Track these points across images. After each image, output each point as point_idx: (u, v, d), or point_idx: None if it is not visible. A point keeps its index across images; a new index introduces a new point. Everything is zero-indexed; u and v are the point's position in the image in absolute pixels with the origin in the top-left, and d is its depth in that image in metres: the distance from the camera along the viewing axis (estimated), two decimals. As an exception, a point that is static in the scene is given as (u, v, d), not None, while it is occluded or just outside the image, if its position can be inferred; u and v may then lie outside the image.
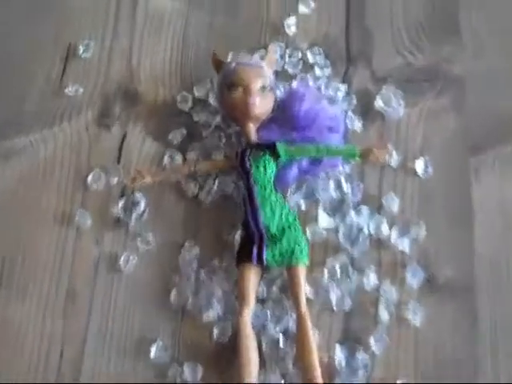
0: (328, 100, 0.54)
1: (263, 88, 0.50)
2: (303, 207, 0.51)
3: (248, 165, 0.49)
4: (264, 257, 0.47)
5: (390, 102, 0.54)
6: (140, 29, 0.60)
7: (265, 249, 0.47)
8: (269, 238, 0.47)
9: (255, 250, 0.47)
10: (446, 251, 0.49)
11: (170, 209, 0.52)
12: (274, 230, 0.47)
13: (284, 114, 0.51)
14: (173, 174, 0.52)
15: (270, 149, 0.49)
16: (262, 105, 0.50)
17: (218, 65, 0.53)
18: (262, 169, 0.49)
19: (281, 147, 0.49)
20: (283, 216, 0.48)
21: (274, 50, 0.56)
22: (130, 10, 0.61)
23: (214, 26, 0.60)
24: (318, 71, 0.56)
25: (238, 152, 0.50)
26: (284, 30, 0.58)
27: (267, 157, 0.49)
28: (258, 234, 0.47)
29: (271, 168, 0.49)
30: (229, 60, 0.54)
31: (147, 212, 0.52)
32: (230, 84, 0.50)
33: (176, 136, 0.55)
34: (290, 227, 0.48)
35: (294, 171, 0.50)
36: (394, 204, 0.51)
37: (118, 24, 0.60)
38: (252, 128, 0.50)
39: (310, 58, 0.57)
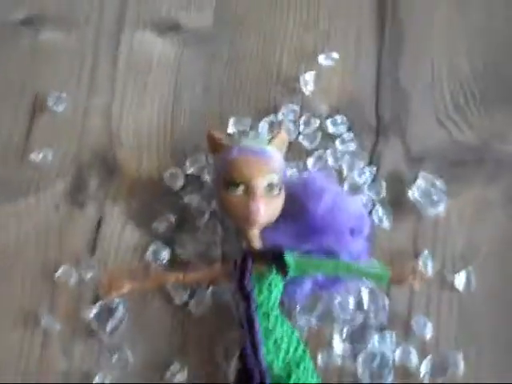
0: (351, 187, 0.44)
1: (271, 186, 0.40)
2: (315, 328, 0.42)
3: (248, 287, 0.39)
4: (265, 403, 0.38)
5: (428, 193, 0.43)
6: (122, 78, 0.49)
7: (267, 393, 0.38)
8: (272, 380, 0.38)
9: (254, 393, 0.38)
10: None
11: (153, 319, 0.43)
12: (278, 368, 0.38)
13: (296, 212, 0.41)
14: (156, 283, 0.42)
15: (277, 262, 0.39)
16: (268, 211, 0.40)
17: (215, 146, 0.42)
18: (265, 292, 0.39)
19: (290, 261, 0.39)
20: (290, 351, 0.39)
21: (287, 115, 0.45)
22: (110, 57, 0.50)
23: (212, 82, 0.49)
24: (339, 146, 0.45)
25: (236, 262, 0.40)
26: (299, 87, 0.47)
27: (273, 275, 0.39)
28: (258, 374, 0.38)
29: (278, 289, 0.39)
30: (229, 129, 0.44)
31: (125, 322, 0.43)
32: (229, 181, 0.40)
33: (162, 223, 0.45)
34: (298, 365, 0.38)
35: (305, 287, 0.41)
36: (425, 329, 0.41)
37: (96, 75, 0.49)
38: (255, 233, 0.40)
39: (331, 128, 0.46)
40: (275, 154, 0.41)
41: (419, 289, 0.39)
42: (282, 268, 0.39)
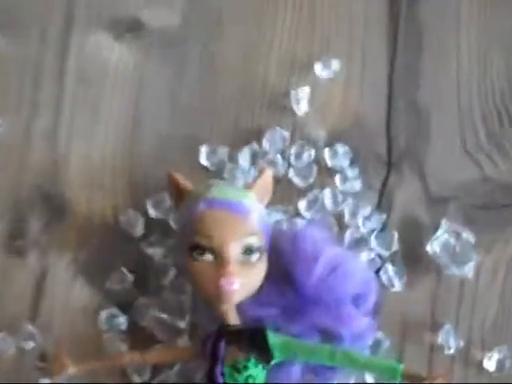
0: (354, 240, 0.35)
1: (249, 252, 0.31)
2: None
3: (220, 381, 0.30)
4: None
5: (452, 246, 0.34)
6: (70, 100, 0.40)
7: None
8: None
9: None
10: None
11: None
12: None
13: (282, 275, 0.33)
14: (107, 362, 0.34)
15: (258, 344, 0.31)
16: (245, 285, 0.31)
17: (178, 193, 0.33)
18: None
19: (276, 344, 0.31)
20: None
21: (274, 143, 0.36)
22: (55, 69, 0.40)
23: (182, 99, 0.39)
24: (339, 184, 0.36)
25: (206, 342, 0.32)
26: (290, 106, 0.38)
27: (251, 366, 0.31)
28: None
29: (259, 381, 0.31)
30: (201, 162, 0.35)
31: (73, 407, 0.35)
32: (194, 244, 0.31)
33: (118, 282, 0.37)
34: None
35: (294, 372, 0.33)
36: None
37: (39, 92, 0.40)
38: (228, 309, 0.32)
39: (329, 160, 0.37)
40: (255, 206, 0.32)
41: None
42: (264, 352, 0.31)
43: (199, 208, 0.31)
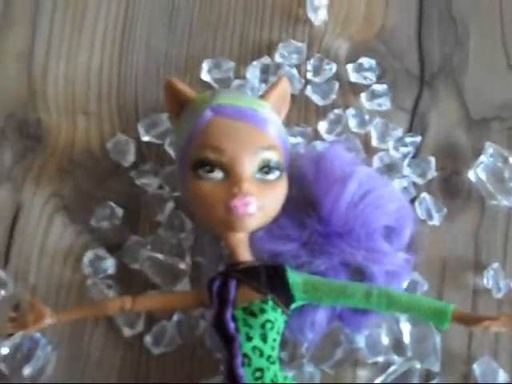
0: (384, 165, 0.30)
1: (267, 169, 0.27)
2: (332, 373, 0.30)
3: (232, 328, 0.25)
4: None
5: (498, 172, 0.30)
6: (47, 12, 0.36)
7: None
8: None
9: None
10: None
11: (93, 360, 0.31)
12: None
13: (304, 201, 0.29)
14: (92, 310, 0.29)
15: (276, 284, 0.27)
16: (262, 209, 0.27)
17: (177, 102, 0.29)
18: (257, 338, 0.27)
19: (296, 284, 0.27)
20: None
21: (289, 58, 0.31)
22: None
23: (178, 9, 0.35)
24: (365, 103, 0.31)
25: (212, 286, 0.27)
26: (306, 15, 0.33)
27: (269, 309, 0.26)
28: None
29: (276, 331, 0.27)
30: (202, 77, 0.32)
31: (52, 364, 0.31)
32: (198, 160, 0.26)
33: (105, 218, 0.33)
34: None
35: (319, 318, 0.28)
36: (495, 376, 0.30)
37: (12, 2, 0.35)
38: (240, 240, 0.27)
39: (353, 75, 0.33)
40: (272, 116, 0.28)
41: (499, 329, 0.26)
42: (283, 293, 0.27)
43: (205, 117, 0.27)
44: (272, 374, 0.27)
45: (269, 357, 0.27)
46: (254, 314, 0.27)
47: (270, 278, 0.27)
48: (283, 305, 0.27)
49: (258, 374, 0.26)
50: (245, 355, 0.27)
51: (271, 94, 0.29)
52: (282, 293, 0.27)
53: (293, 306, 0.27)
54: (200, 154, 0.26)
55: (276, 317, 0.27)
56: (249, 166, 0.26)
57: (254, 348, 0.26)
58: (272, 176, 0.27)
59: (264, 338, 0.27)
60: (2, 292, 0.33)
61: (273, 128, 0.27)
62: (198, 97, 0.28)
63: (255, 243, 0.28)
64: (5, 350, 0.31)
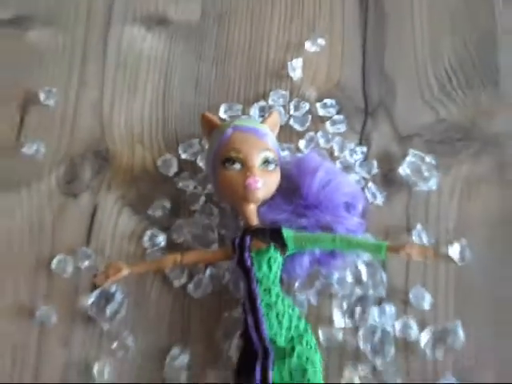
0: (343, 166, 0.44)
1: (267, 163, 0.40)
2: (315, 303, 0.42)
3: (248, 263, 0.39)
4: (270, 378, 0.37)
5: (418, 169, 0.44)
6: (112, 73, 0.50)
7: (271, 367, 0.37)
8: (275, 354, 0.38)
9: (259, 369, 0.37)
10: (489, 358, 0.41)
11: (152, 304, 0.43)
12: (281, 344, 0.38)
13: (291, 189, 0.42)
14: (154, 267, 0.42)
15: (275, 238, 0.40)
16: (265, 186, 0.40)
17: (209, 127, 0.43)
18: (265, 267, 0.39)
19: (289, 237, 0.40)
20: (292, 326, 0.39)
21: (277, 103, 0.46)
22: (99, 50, 0.50)
23: (201, 71, 0.50)
24: (329, 128, 0.46)
25: (234, 242, 0.40)
26: (287, 73, 0.48)
27: (272, 252, 0.39)
28: (261, 349, 0.38)
29: (277, 265, 0.39)
30: (221, 115, 0.45)
31: (124, 308, 0.43)
32: (225, 158, 0.40)
33: (158, 209, 0.45)
34: (301, 340, 0.38)
35: (304, 262, 0.41)
36: (424, 300, 0.42)
37: (86, 67, 0.50)
38: (252, 209, 0.41)
39: (320, 111, 0.47)
40: (269, 132, 0.42)
41: (416, 258, 0.39)
42: (281, 244, 0.40)
43: (228, 132, 0.41)
44: (275, 292, 0.39)
45: (273, 281, 0.40)
46: (262, 254, 0.39)
47: (271, 235, 0.40)
48: (280, 252, 0.40)
49: (266, 292, 0.40)
50: (257, 280, 0.40)
51: (267, 121, 0.43)
52: (280, 243, 0.39)
53: (287, 252, 0.40)
54: (226, 154, 0.40)
55: (276, 256, 0.39)
56: (256, 160, 0.40)
57: (263, 275, 0.39)
58: (270, 167, 0.40)
59: (269, 268, 0.39)
60: (86, 262, 0.44)
61: (269, 139, 0.41)
62: (222, 123, 0.43)
63: (260, 215, 0.41)
64: (91, 300, 0.42)
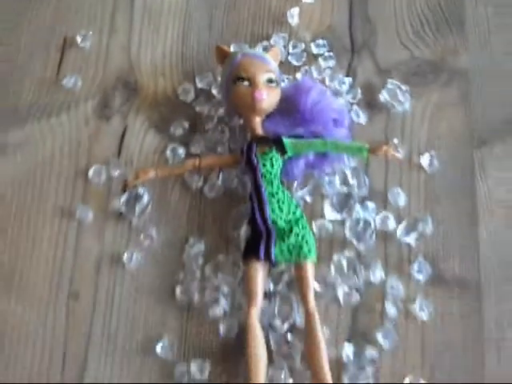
0: (332, 93, 0.53)
1: (270, 81, 0.49)
2: (309, 201, 0.51)
3: (255, 161, 0.48)
4: (272, 253, 0.46)
5: (395, 95, 0.53)
6: (139, 18, 0.59)
7: (272, 245, 0.46)
8: (276, 234, 0.47)
9: (263, 247, 0.46)
10: (453, 246, 0.49)
11: (173, 203, 0.52)
12: (281, 225, 0.47)
13: (290, 106, 0.50)
14: (176, 170, 0.51)
15: (277, 144, 0.48)
16: (268, 99, 0.49)
17: (222, 56, 0.52)
18: (268, 165, 0.48)
19: (287, 142, 0.48)
20: (290, 212, 0.47)
21: (278, 42, 0.55)
22: (127, 2, 0.59)
23: (214, 17, 0.59)
24: (322, 63, 0.55)
25: (243, 147, 0.49)
26: (287, 20, 0.57)
27: (274, 153, 0.48)
28: (265, 231, 0.47)
29: (278, 164, 0.48)
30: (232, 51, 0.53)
31: (150, 206, 0.51)
32: (236, 77, 0.49)
33: (178, 128, 0.54)
34: (297, 223, 0.47)
35: (300, 165, 0.49)
36: (399, 198, 0.51)
37: (116, 15, 0.59)
38: (258, 121, 0.49)
39: (314, 49, 0.56)
40: (271, 60, 0.51)
41: (392, 155, 0.48)
42: (281, 148, 0.48)
43: (239, 57, 0.49)
44: (276, 184, 0.47)
45: (275, 176, 0.48)
46: (266, 155, 0.48)
47: (273, 141, 0.48)
48: (281, 155, 0.50)
49: (269, 184, 0.48)
50: (262, 175, 0.49)
51: (270, 53, 0.51)
52: (280, 148, 0.48)
53: (286, 156, 0.48)
54: (237, 74, 0.49)
55: (277, 157, 0.48)
56: (261, 78, 0.48)
57: (267, 170, 0.47)
58: (272, 85, 0.49)
59: (272, 166, 0.48)
60: (117, 172, 0.52)
61: (272, 64, 0.50)
62: (233, 52, 0.52)
63: (264, 128, 0.49)
64: (123, 198, 0.51)
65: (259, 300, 0.46)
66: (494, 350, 0.46)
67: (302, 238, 0.47)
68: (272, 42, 0.56)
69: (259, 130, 0.50)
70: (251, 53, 0.51)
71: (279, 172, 0.48)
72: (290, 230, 0.47)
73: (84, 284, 0.49)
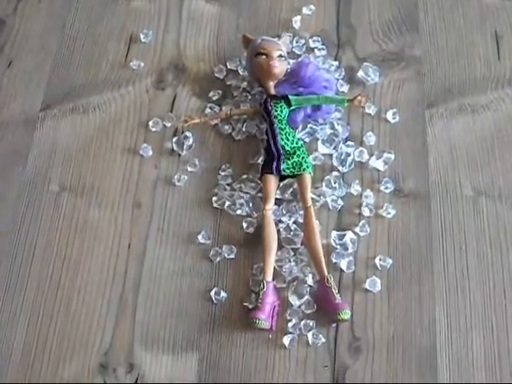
0: (324, 71, 0.75)
1: (280, 56, 0.71)
2: (307, 141, 0.71)
3: (270, 107, 0.69)
4: (281, 168, 0.66)
5: (369, 73, 0.75)
6: (185, 25, 0.81)
7: (282, 162, 0.67)
8: (284, 155, 0.67)
9: (275, 164, 0.67)
10: (409, 170, 0.70)
11: (210, 143, 0.72)
12: (287, 149, 0.67)
13: (294, 76, 0.72)
14: (214, 117, 0.72)
15: (285, 99, 0.70)
16: (279, 67, 0.70)
17: (247, 41, 0.74)
18: (279, 110, 0.69)
19: (292, 98, 0.70)
20: (294, 141, 0.68)
21: (286, 36, 0.78)
22: (176, 12, 0.83)
23: (240, 21, 0.81)
24: (317, 52, 0.77)
25: (261, 101, 0.70)
26: (292, 25, 0.80)
27: (282, 104, 0.69)
28: (276, 153, 0.67)
29: (285, 111, 0.69)
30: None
31: (194, 145, 0.72)
32: (257, 52, 0.71)
33: (214, 95, 0.75)
34: (299, 148, 0.68)
35: (301, 115, 0.71)
36: (371, 139, 0.71)
37: (168, 22, 0.82)
38: (271, 85, 0.71)
39: (311, 43, 0.78)
40: (282, 44, 0.73)
41: (364, 103, 0.70)
42: (287, 101, 0.70)
43: (259, 40, 0.71)
44: (284, 122, 0.68)
45: (284, 117, 0.68)
46: (276, 104, 0.69)
47: (282, 97, 0.69)
48: (287, 106, 0.71)
49: (279, 122, 0.69)
50: (274, 116, 0.70)
51: (282, 40, 0.74)
52: (287, 102, 0.69)
53: (291, 107, 0.70)
54: (257, 50, 0.70)
55: (285, 107, 0.68)
56: (275, 54, 0.70)
57: (278, 114, 0.68)
58: (282, 58, 0.70)
59: (281, 111, 0.68)
60: (170, 123, 0.72)
61: (282, 46, 0.72)
62: (255, 38, 0.74)
63: (276, 88, 0.70)
64: (175, 139, 0.72)
65: (272, 202, 0.66)
66: (439, 240, 0.65)
67: (303, 157, 0.67)
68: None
69: (272, 91, 0.71)
70: (267, 38, 0.73)
71: (286, 116, 0.69)
72: (294, 152, 0.67)
73: (145, 198, 0.69)
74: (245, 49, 0.74)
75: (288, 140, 0.68)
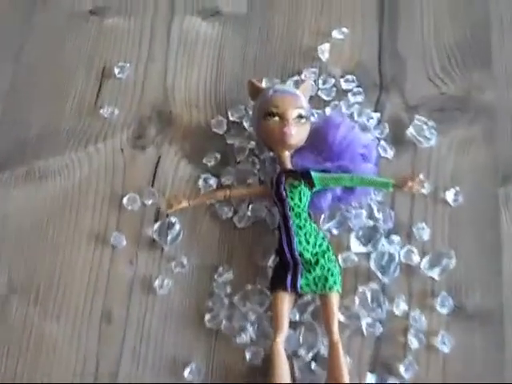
0: (360, 128, 0.55)
1: (300, 117, 0.51)
2: (336, 234, 0.52)
3: (284, 194, 0.50)
4: (298, 284, 0.48)
5: (422, 131, 0.55)
6: (174, 52, 0.61)
7: (299, 276, 0.48)
8: (303, 266, 0.48)
9: (289, 278, 0.48)
10: (476, 280, 0.51)
11: (204, 232, 0.54)
12: (308, 257, 0.48)
13: (318, 141, 0.52)
14: (208, 199, 0.53)
15: (305, 177, 0.50)
16: (297, 134, 0.51)
17: (255, 91, 0.54)
18: (297, 198, 0.50)
19: (316, 176, 0.50)
20: (317, 244, 0.49)
21: (309, 77, 0.57)
22: (163, 33, 0.62)
23: (247, 51, 0.61)
24: (351, 98, 0.57)
25: (272, 179, 0.51)
26: (317, 55, 0.59)
27: (302, 186, 0.50)
28: (292, 262, 0.48)
29: (306, 197, 0.50)
30: (263, 86, 0.55)
31: (182, 235, 0.53)
32: (267, 112, 0.51)
33: (210, 160, 0.56)
34: (323, 255, 0.49)
35: (328, 198, 0.51)
36: (424, 233, 0.52)
37: (153, 47, 0.62)
38: (287, 155, 0.51)
39: (343, 84, 0.58)
40: (301, 95, 0.53)
41: (417, 190, 0.50)
42: (309, 181, 0.50)
43: (270, 93, 0.51)
44: (304, 217, 0.49)
45: (302, 209, 0.49)
46: (294, 188, 0.50)
47: (302, 175, 0.50)
48: (309, 188, 0.51)
49: (297, 216, 0.50)
50: (290, 208, 0.51)
51: (301, 87, 0.53)
52: (308, 182, 0.50)
53: (314, 189, 0.50)
54: (268, 109, 0.50)
55: (305, 190, 0.49)
56: (290, 115, 0.50)
57: (295, 204, 0.49)
58: (302, 121, 0.51)
59: (300, 199, 0.49)
60: (151, 200, 0.54)
61: (302, 100, 0.52)
62: (264, 88, 0.54)
63: (293, 161, 0.51)
64: (156, 226, 0.53)
65: (285, 329, 0.48)
66: (514, 384, 0.47)
67: (328, 270, 0.48)
68: (303, 76, 0.58)
69: (288, 164, 0.51)
70: (282, 89, 0.52)
71: (307, 205, 0.50)
72: (316, 262, 0.48)
73: (116, 307, 0.52)
74: (252, 100, 0.54)
75: (308, 244, 0.49)
